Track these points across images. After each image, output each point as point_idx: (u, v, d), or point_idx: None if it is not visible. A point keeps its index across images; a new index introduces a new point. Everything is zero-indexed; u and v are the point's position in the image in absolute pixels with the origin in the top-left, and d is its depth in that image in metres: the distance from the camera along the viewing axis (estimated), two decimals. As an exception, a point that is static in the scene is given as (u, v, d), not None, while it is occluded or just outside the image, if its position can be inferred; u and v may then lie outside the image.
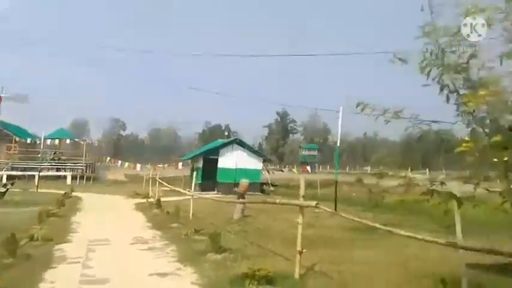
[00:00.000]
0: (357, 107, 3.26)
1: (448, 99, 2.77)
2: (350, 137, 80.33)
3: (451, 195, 3.46)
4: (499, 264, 6.95)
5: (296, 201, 7.63)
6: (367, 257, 8.91)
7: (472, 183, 3.01)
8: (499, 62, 2.45)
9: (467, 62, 2.69)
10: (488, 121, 2.56)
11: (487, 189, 3.09)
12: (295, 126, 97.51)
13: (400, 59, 2.92)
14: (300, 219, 7.28)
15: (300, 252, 7.09)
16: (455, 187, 4.23)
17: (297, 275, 6.97)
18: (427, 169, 47.34)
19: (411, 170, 48.00)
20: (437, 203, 3.49)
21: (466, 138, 2.44)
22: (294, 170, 49.72)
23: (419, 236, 4.64)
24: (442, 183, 3.13)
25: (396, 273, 7.56)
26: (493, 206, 2.99)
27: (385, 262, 8.41)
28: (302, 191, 7.37)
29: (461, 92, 2.68)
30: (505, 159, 2.04)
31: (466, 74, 2.65)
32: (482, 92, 2.28)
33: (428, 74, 2.77)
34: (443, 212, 6.44)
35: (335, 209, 15.25)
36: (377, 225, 6.82)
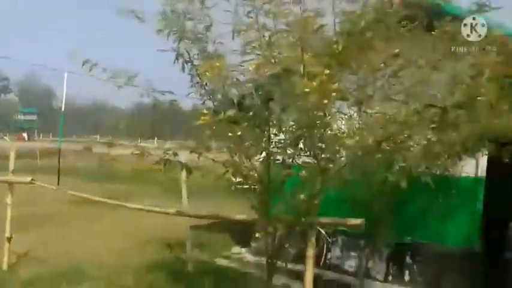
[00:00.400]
0: (82, 65, 2.74)
1: (183, 69, 2.68)
2: (78, 101, 73.94)
3: (183, 165, 3.45)
4: (218, 224, 8.07)
5: (4, 178, 6.26)
6: (94, 231, 8.46)
7: (196, 153, 3.05)
8: (232, 36, 2.53)
9: (202, 33, 2.66)
10: (219, 95, 2.64)
11: (213, 160, 3.22)
12: (7, 85, 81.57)
13: (137, 17, 2.59)
14: (9, 199, 6.05)
15: (9, 239, 5.95)
16: (185, 157, 4.31)
17: (5, 266, 5.86)
18: (155, 138, 49.36)
19: (141, 139, 48.98)
20: (169, 172, 3.40)
21: (204, 111, 2.42)
22: (7, 137, 41.88)
23: (148, 207, 4.65)
24: (175, 153, 3.05)
25: (124, 243, 7.52)
26: (218, 175, 3.15)
27: (113, 234, 8.22)
28: (12, 165, 6.11)
29: (196, 62, 2.64)
30: (239, 133, 2.12)
31: (201, 45, 2.61)
32: (217, 64, 2.28)
33: (167, 38, 2.58)
34: (173, 181, 6.79)
35: (58, 182, 13.75)
36: (103, 199, 6.46)
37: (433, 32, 3.78)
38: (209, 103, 2.75)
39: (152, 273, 6.17)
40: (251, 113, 2.16)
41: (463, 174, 5.21)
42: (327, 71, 1.61)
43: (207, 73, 2.32)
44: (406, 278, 5.71)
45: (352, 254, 6.06)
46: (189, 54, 2.65)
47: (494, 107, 1.94)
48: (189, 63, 2.66)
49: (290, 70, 2.04)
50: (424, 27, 3.47)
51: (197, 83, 2.70)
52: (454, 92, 1.78)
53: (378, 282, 5.79)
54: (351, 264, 6.07)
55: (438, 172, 3.99)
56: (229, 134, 2.07)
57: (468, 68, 2.55)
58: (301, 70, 1.66)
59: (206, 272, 6.20)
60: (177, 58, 2.63)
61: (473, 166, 5.22)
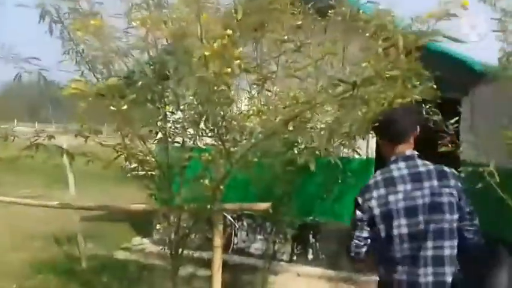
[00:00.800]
0: None
1: (51, 31, 2.13)
2: None
3: (62, 150, 2.91)
4: (115, 213, 7.42)
5: None
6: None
7: (83, 137, 2.58)
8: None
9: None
10: (101, 66, 2.17)
11: (101, 143, 2.77)
12: None
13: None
14: None
15: None
16: (67, 141, 3.75)
17: None
18: (36, 121, 43.31)
19: (17, 121, 42.24)
20: (46, 159, 2.82)
21: (77, 78, 1.91)
22: None
23: (23, 201, 3.97)
24: (51, 136, 2.52)
25: (2, 240, 6.49)
26: (107, 160, 2.71)
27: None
28: None
29: (68, 23, 2.11)
30: (124, 107, 1.70)
31: (73, 3, 2.08)
32: (93, 22, 1.82)
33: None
34: (59, 168, 5.97)
35: None
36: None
37: (329, 11, 3.80)
38: (91, 76, 2.27)
39: (38, 273, 5.41)
40: (140, 84, 1.77)
41: (356, 156, 5.40)
42: (230, 31, 1.33)
43: (78, 33, 1.84)
44: (310, 256, 5.88)
45: (258, 237, 6.04)
46: (58, 12, 2.10)
47: (400, 84, 1.89)
48: (59, 24, 2.12)
49: (185, 33, 1.70)
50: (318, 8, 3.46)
51: (71, 49, 2.19)
52: (361, 68, 1.67)
53: (283, 263, 5.86)
54: (257, 247, 6.04)
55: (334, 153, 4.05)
56: (112, 108, 1.64)
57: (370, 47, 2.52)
58: (199, 32, 1.35)
59: (103, 268, 5.64)
60: (42, 17, 2.07)
61: (364, 147, 5.45)
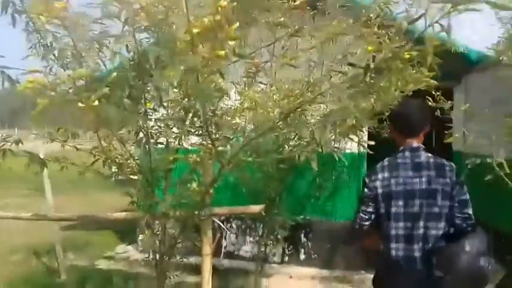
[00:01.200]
0: None
1: (14, 22, 1.84)
2: None
3: (33, 157, 2.62)
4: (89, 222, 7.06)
5: None
6: None
7: (59, 141, 2.34)
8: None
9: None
10: (72, 59, 1.91)
11: (76, 148, 2.51)
12: None
13: None
14: None
15: None
16: (43, 146, 3.46)
17: None
18: (16, 128, 41.91)
19: None
20: (27, 165, 2.56)
21: (33, 69, 1.62)
22: None
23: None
24: (18, 141, 2.24)
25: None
26: (84, 165, 2.46)
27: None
28: None
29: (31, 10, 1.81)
30: (96, 103, 1.44)
31: None
32: (57, 4, 1.54)
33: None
34: (35, 174, 5.61)
35: None
36: None
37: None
38: (62, 73, 2.00)
39: (15, 289, 5.08)
40: (114, 75, 1.51)
41: (347, 151, 5.18)
42: (225, 2, 1.10)
43: (41, 17, 1.57)
44: (302, 256, 5.69)
45: (248, 239, 5.82)
46: (21, 0, 1.80)
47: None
48: (24, 15, 1.83)
49: (168, 12, 1.45)
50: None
51: (38, 42, 1.91)
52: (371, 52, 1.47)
53: (275, 265, 5.66)
54: (247, 249, 5.82)
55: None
56: (80, 105, 1.39)
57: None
58: (184, 9, 1.12)
59: (83, 279, 5.33)
60: (4, 7, 1.77)
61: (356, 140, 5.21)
